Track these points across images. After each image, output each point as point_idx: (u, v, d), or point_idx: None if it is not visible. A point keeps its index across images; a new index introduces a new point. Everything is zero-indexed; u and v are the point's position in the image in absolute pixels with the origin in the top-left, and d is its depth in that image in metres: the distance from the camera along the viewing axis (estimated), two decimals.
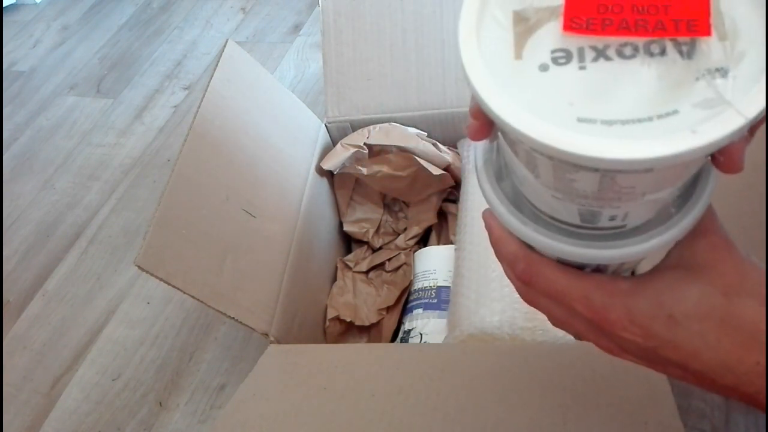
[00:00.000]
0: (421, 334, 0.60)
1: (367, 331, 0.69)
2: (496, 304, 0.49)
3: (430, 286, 0.64)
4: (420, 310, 0.63)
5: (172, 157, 1.07)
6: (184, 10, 1.41)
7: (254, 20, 1.32)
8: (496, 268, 0.52)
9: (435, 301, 0.63)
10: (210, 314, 0.82)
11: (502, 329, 0.48)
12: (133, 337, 0.81)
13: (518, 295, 0.48)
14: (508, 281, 0.51)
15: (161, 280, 0.46)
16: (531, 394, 0.40)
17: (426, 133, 0.71)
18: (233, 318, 0.50)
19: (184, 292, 0.47)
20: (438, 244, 0.72)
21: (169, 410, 0.73)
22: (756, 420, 0.56)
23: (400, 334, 0.64)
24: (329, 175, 0.73)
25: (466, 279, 0.53)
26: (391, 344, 0.65)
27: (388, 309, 0.68)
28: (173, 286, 0.47)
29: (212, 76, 0.58)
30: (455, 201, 0.72)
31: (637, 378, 0.40)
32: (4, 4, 1.52)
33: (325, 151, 0.71)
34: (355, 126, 0.71)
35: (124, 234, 0.95)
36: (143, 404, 0.74)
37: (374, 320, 0.68)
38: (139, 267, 0.44)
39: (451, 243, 0.69)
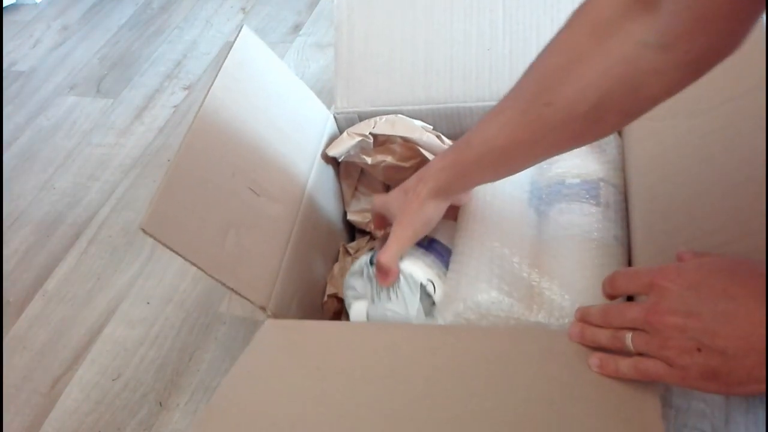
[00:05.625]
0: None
1: None
2: (495, 280, 0.50)
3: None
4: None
5: (172, 157, 1.07)
6: (184, 10, 1.41)
7: (254, 20, 1.32)
8: (495, 247, 0.53)
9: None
10: (210, 314, 0.82)
11: (500, 304, 0.49)
12: (133, 337, 0.82)
13: (514, 273, 0.49)
14: (507, 259, 0.52)
15: (165, 245, 0.45)
16: (519, 380, 0.41)
17: (431, 126, 0.72)
18: (232, 289, 0.50)
19: (186, 259, 0.47)
20: None
21: (169, 410, 0.73)
22: (756, 420, 0.56)
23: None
24: (335, 163, 0.74)
25: (466, 256, 0.54)
26: (384, 324, 0.65)
27: None
28: (176, 253, 0.46)
29: (226, 57, 0.58)
30: None
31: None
32: (4, 4, 1.52)
33: (333, 141, 0.72)
34: (363, 117, 0.73)
35: (124, 234, 0.95)
36: (143, 404, 0.74)
37: None
38: (144, 230, 0.44)
39: None
